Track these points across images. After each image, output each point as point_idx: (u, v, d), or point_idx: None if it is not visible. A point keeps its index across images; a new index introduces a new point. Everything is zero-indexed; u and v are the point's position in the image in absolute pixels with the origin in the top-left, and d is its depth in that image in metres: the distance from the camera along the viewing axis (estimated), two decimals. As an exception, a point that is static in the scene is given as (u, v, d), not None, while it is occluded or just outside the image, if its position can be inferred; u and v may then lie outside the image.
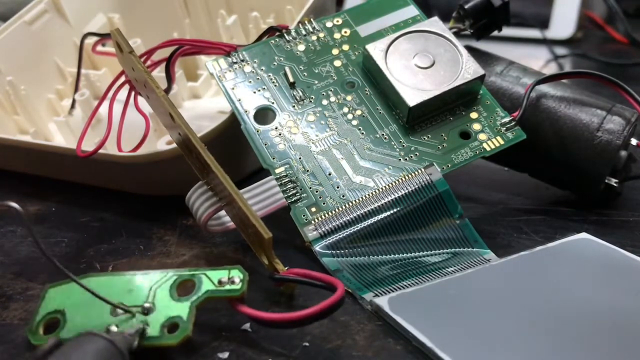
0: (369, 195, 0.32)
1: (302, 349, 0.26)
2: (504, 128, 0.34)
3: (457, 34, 0.36)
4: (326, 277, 0.27)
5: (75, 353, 0.23)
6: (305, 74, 0.35)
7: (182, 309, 0.25)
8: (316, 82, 0.35)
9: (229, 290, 0.26)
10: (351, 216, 0.31)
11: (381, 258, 0.31)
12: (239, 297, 0.26)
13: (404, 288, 0.29)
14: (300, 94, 0.35)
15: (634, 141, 0.34)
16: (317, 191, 0.32)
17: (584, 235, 0.32)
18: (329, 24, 0.37)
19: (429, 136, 0.34)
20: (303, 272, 0.28)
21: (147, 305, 0.26)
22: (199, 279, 0.26)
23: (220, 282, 0.26)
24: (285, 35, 0.36)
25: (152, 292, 0.26)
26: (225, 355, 0.26)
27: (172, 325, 0.25)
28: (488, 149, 0.33)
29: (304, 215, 0.32)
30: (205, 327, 0.27)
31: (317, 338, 0.26)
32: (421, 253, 0.31)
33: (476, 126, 0.34)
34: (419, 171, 0.32)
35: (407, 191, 0.32)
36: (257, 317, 0.25)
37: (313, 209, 0.32)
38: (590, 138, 0.33)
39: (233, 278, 0.26)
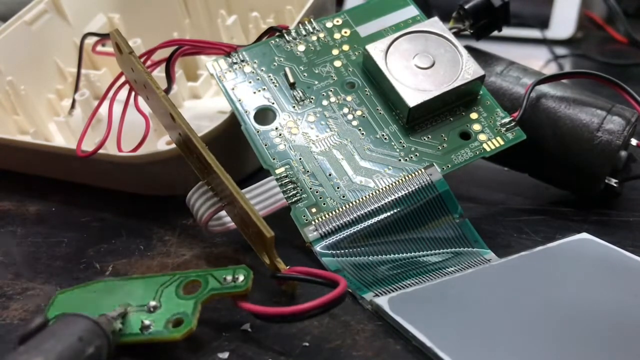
0: (369, 195, 0.32)
1: (302, 348, 0.26)
2: (504, 128, 0.34)
3: (457, 34, 0.36)
4: (328, 274, 0.27)
5: (62, 333, 0.23)
6: (306, 74, 0.35)
7: (187, 306, 0.26)
8: (316, 82, 0.35)
9: (234, 286, 0.26)
10: (351, 217, 0.31)
11: (381, 258, 0.31)
12: (243, 293, 0.26)
13: (404, 288, 0.29)
14: (301, 94, 0.35)
15: (634, 141, 0.34)
16: (317, 192, 0.32)
17: (584, 235, 0.32)
18: (329, 24, 0.37)
19: (429, 137, 0.34)
20: (305, 270, 0.28)
21: (152, 303, 0.26)
22: (205, 279, 0.26)
23: (225, 280, 0.26)
24: (285, 35, 0.36)
25: (159, 294, 0.26)
26: (225, 355, 0.26)
27: (177, 320, 0.25)
28: (488, 149, 0.33)
29: (304, 216, 0.32)
30: (206, 327, 0.27)
31: (317, 338, 0.27)
32: (421, 253, 0.31)
33: (476, 126, 0.34)
34: (419, 171, 0.32)
35: (407, 192, 0.32)
36: (259, 312, 0.25)
37: (313, 210, 0.32)
38: (590, 138, 0.33)
39: (238, 277, 0.26)
